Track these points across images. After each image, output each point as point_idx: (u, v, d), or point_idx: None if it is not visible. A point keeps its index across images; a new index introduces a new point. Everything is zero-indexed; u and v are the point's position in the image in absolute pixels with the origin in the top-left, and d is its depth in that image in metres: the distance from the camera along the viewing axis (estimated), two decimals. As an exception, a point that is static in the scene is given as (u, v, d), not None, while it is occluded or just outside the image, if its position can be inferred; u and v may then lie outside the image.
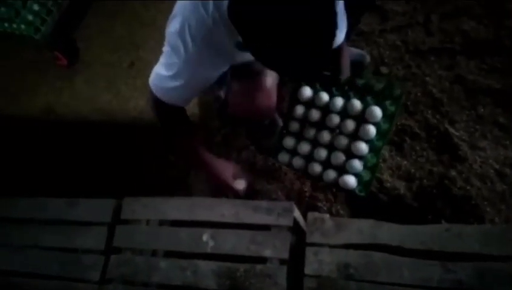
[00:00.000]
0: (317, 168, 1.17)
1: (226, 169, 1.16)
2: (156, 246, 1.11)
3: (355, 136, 1.13)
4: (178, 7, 0.90)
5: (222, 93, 1.07)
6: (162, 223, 1.14)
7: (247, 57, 0.97)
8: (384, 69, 1.42)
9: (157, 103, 0.99)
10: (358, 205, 1.24)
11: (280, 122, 1.30)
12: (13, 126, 1.95)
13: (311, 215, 1.02)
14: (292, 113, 1.23)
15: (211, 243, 1.05)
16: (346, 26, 1.08)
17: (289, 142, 1.21)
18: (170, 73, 0.94)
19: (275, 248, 0.99)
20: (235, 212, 1.07)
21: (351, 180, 1.11)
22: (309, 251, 0.97)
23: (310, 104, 1.22)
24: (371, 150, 1.12)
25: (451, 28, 1.41)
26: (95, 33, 2.09)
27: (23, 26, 1.93)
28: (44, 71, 2.08)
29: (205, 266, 1.03)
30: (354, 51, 1.42)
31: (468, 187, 1.16)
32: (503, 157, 1.19)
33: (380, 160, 1.22)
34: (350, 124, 1.14)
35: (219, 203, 1.11)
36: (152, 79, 0.98)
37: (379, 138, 1.12)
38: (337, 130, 1.17)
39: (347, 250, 0.95)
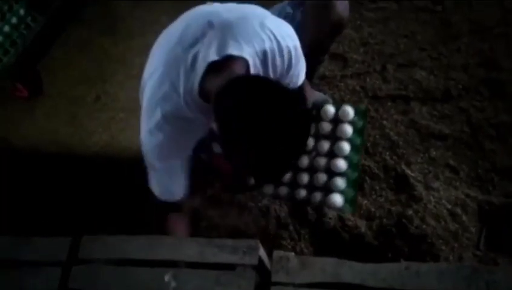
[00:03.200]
0: (302, 192, 1.21)
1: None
2: (115, 288, 1.06)
3: (332, 154, 1.19)
4: (147, 100, 0.96)
5: (203, 155, 1.12)
6: (122, 262, 1.10)
7: None
8: (345, 112, 1.50)
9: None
10: (321, 243, 1.25)
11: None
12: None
13: (276, 253, 1.02)
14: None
15: (173, 284, 1.01)
16: (305, 68, 1.16)
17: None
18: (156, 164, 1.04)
19: (240, 289, 0.97)
20: (199, 251, 1.04)
21: (337, 199, 1.16)
22: (274, 291, 0.96)
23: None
24: (349, 165, 1.18)
25: (405, 77, 1.53)
26: (60, 66, 2.05)
27: (-17, 56, 1.88)
28: (2, 102, 2.00)
29: (166, 308, 0.99)
30: (318, 94, 1.50)
31: (424, 226, 1.22)
32: (454, 197, 1.27)
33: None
34: (325, 144, 1.21)
35: (182, 242, 1.08)
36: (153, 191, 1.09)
37: (355, 153, 1.19)
38: (314, 153, 1.22)
39: (311, 289, 0.96)
